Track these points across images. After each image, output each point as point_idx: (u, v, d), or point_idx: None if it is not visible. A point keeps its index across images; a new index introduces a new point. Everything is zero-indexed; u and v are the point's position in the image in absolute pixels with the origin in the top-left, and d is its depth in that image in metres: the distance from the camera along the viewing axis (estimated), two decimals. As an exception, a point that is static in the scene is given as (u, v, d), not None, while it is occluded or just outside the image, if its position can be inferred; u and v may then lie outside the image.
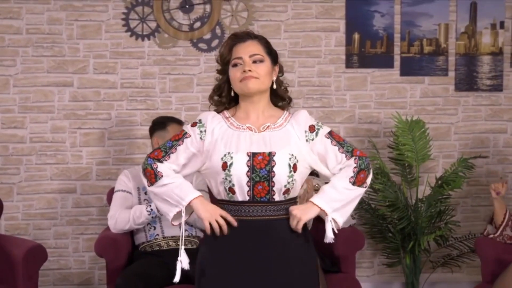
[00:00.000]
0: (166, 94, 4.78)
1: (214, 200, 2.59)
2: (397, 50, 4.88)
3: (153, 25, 4.75)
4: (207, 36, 4.78)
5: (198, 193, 2.51)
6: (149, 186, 2.55)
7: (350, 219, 4.18)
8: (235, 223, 2.47)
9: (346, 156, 2.53)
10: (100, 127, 4.74)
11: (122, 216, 3.90)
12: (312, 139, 2.54)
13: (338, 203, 2.51)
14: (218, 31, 4.77)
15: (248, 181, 2.47)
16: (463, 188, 4.76)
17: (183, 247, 2.55)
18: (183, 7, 4.77)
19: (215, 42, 4.77)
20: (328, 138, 2.54)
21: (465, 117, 4.95)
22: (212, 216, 2.47)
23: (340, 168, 2.54)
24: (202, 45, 4.77)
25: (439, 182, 4.57)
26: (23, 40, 4.68)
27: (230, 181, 2.48)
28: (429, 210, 4.56)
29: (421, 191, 4.69)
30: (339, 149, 2.53)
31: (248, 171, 2.46)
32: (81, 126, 4.73)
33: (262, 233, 2.49)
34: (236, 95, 2.60)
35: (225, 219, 2.48)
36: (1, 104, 4.68)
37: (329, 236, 2.50)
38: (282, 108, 2.63)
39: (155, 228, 3.94)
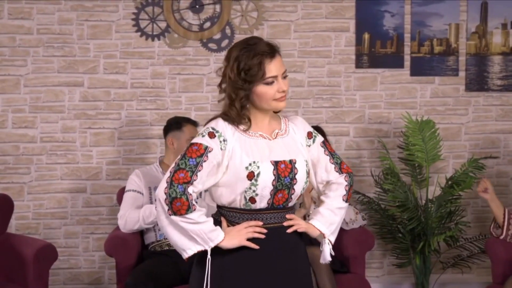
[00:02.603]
0: (176, 94, 4.78)
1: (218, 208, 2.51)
2: (407, 50, 4.87)
3: (163, 25, 4.76)
4: (217, 36, 4.78)
5: (223, 234, 2.40)
6: (171, 215, 2.34)
7: (360, 220, 4.17)
8: (263, 233, 2.43)
9: (335, 168, 2.58)
10: (110, 127, 4.75)
11: (132, 215, 3.90)
12: (309, 145, 2.56)
13: (334, 225, 2.59)
14: (228, 31, 4.77)
15: (271, 190, 2.41)
16: (473, 189, 4.74)
17: None
18: (193, 7, 4.78)
19: (225, 42, 4.78)
20: (322, 146, 2.58)
21: (475, 117, 4.93)
22: (241, 239, 2.41)
23: (326, 180, 2.58)
24: (212, 45, 4.78)
25: (449, 182, 4.56)
26: (34, 40, 4.69)
27: (254, 191, 2.39)
28: (439, 211, 4.54)
29: (431, 191, 4.67)
30: (330, 159, 2.58)
31: (273, 180, 2.40)
32: (91, 126, 4.75)
33: (280, 240, 2.46)
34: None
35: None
36: (12, 104, 4.70)
37: (327, 258, 2.58)
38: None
39: (165, 228, 3.95)
